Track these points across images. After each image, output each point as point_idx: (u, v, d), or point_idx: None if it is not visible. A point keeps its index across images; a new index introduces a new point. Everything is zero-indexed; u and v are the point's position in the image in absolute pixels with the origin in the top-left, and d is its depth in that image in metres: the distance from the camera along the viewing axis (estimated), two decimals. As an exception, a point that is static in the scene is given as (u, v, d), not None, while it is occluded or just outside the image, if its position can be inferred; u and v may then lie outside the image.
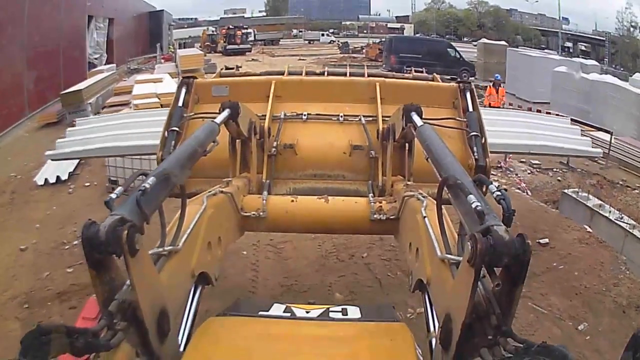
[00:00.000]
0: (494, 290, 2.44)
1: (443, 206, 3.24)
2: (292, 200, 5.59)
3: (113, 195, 2.65)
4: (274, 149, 6.52)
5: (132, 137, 9.58)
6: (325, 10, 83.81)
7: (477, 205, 2.53)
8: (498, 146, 8.17)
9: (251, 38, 60.77)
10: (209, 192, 4.57)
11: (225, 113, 5.00)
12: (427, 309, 3.54)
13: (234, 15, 65.76)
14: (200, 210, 3.91)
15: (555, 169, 17.92)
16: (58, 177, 14.91)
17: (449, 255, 3.08)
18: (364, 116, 6.79)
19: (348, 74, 8.54)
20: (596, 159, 18.53)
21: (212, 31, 58.64)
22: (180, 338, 3.23)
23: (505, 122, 10.51)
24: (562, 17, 68.64)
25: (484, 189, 3.00)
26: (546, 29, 72.20)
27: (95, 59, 37.21)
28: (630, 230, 11.29)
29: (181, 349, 3.09)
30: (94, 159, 15.60)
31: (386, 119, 6.45)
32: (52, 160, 12.90)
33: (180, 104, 6.77)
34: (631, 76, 28.43)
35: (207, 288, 3.93)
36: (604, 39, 60.83)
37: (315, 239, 10.63)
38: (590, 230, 11.48)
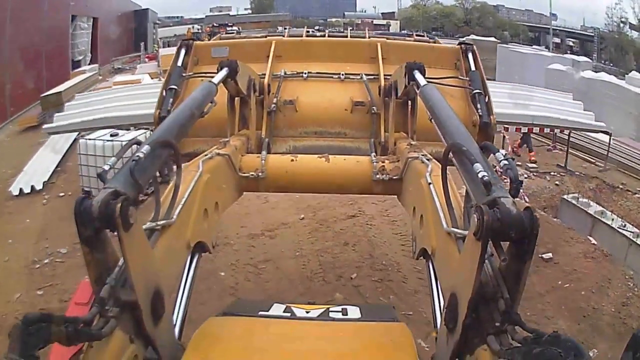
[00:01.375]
0: (500, 267, 2.39)
1: (448, 169, 3.18)
2: (292, 160, 5.45)
3: (106, 167, 2.58)
4: (273, 105, 6.48)
5: (129, 107, 9.85)
6: (311, 7, 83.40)
7: (483, 175, 2.45)
8: (501, 116, 8.04)
9: None
10: (205, 155, 4.46)
11: (224, 72, 4.93)
12: (431, 279, 3.52)
13: (219, 13, 64.97)
14: (195, 176, 3.80)
15: (552, 173, 17.47)
16: (33, 187, 14.39)
17: (455, 229, 2.98)
18: (365, 74, 6.75)
19: (349, 36, 8.68)
20: (594, 161, 18.05)
21: (197, 29, 57.42)
22: (175, 316, 3.18)
23: (509, 94, 10.79)
24: (550, 13, 68.23)
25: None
26: (534, 24, 71.83)
27: (80, 59, 36.46)
28: (634, 240, 10.77)
29: (177, 328, 3.11)
30: (70, 166, 15.35)
31: (388, 77, 6.38)
32: (50, 134, 12.90)
33: (179, 64, 6.76)
34: (627, 74, 28.02)
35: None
36: (593, 34, 60.52)
37: (298, 258, 10.14)
38: (595, 243, 10.99)
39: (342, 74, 6.82)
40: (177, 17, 66.34)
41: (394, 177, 5.09)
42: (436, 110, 3.84)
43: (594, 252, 10.40)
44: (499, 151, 2.74)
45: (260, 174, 5.17)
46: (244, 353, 2.82)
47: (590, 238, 11.21)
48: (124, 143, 10.84)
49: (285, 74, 6.80)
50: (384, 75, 6.55)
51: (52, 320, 1.98)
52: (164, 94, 6.29)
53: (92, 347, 2.23)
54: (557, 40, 66.12)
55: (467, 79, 6.57)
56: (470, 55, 6.85)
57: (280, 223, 11.56)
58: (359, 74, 6.77)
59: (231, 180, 4.97)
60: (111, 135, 13.25)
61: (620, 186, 16.49)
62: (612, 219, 11.74)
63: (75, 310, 6.52)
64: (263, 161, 5.26)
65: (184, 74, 6.62)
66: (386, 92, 6.22)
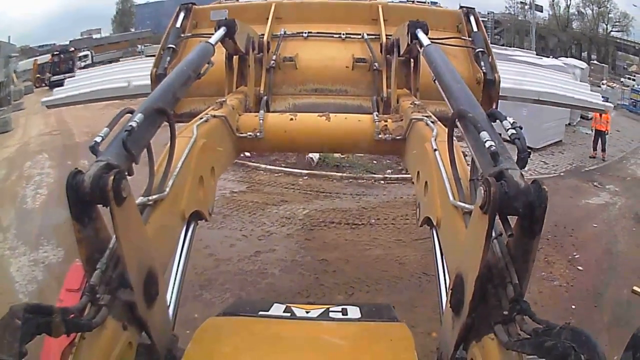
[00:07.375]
0: (508, 244, 2.37)
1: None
2: (291, 119, 5.32)
3: (98, 139, 2.49)
4: (272, 62, 6.39)
5: (130, 79, 9.46)
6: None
7: (490, 145, 2.40)
8: (507, 90, 7.98)
9: (88, 61, 50.43)
10: (200, 119, 4.35)
11: (221, 32, 4.89)
12: (435, 251, 3.47)
13: (86, 37, 61.37)
14: (189, 143, 3.69)
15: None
16: None
17: (461, 204, 2.89)
18: (367, 34, 6.80)
19: None
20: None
21: (50, 59, 46.78)
22: (169, 296, 3.11)
23: (515, 71, 10.84)
24: (431, 1, 67.34)
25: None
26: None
27: None
28: None
29: (171, 310, 3.07)
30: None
31: (390, 37, 6.33)
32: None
33: (178, 25, 6.77)
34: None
35: None
36: (486, 19, 59.89)
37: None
38: None
39: (343, 34, 6.83)
40: (49, 44, 62.88)
41: (397, 137, 4.95)
42: (441, 72, 3.73)
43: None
44: (506, 118, 2.65)
45: (258, 134, 5.03)
46: (243, 353, 2.78)
47: None
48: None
49: (285, 33, 6.76)
50: (386, 35, 6.49)
51: (40, 311, 1.90)
52: (162, 52, 6.30)
53: (85, 338, 2.19)
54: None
55: (470, 39, 6.69)
56: (472, 18, 6.95)
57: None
58: (360, 34, 6.78)
59: (228, 141, 4.82)
60: None
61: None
62: None
63: (66, 297, 5.97)
64: (261, 121, 5.10)
65: (182, 35, 6.59)
66: (388, 50, 6.17)
